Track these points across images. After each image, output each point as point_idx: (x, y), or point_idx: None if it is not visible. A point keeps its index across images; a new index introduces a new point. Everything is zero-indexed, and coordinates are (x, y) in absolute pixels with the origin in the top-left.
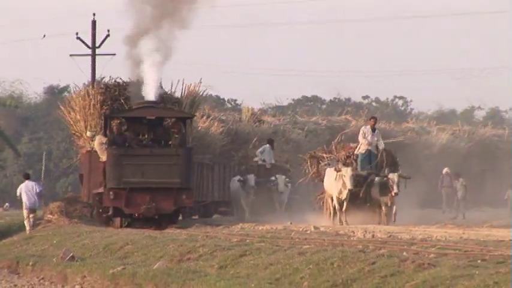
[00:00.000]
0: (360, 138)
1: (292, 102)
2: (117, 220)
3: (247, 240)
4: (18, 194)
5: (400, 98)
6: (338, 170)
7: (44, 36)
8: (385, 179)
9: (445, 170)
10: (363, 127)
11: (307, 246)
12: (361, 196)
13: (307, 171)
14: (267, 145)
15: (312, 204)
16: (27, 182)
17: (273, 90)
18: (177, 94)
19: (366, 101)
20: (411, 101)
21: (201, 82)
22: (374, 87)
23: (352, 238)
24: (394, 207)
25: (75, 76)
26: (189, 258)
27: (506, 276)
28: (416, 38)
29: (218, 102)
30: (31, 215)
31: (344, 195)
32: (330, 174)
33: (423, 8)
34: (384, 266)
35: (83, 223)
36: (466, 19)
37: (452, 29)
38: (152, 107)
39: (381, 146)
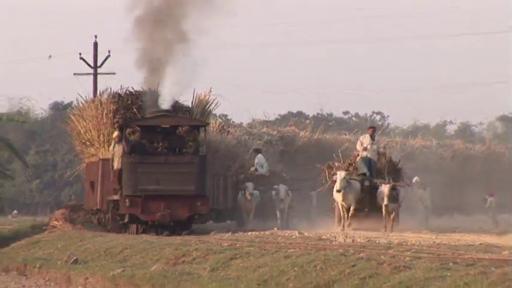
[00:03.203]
0: (358, 146)
1: (279, 117)
2: (133, 226)
3: (237, 245)
4: None
5: (378, 113)
6: (333, 174)
7: (50, 56)
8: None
9: (415, 178)
10: (361, 136)
11: (293, 250)
12: (365, 202)
13: (323, 181)
14: (259, 154)
15: (312, 212)
16: None
17: (261, 106)
18: (187, 103)
19: (346, 116)
20: (388, 116)
21: (211, 91)
22: (354, 103)
23: (333, 242)
24: (392, 216)
25: (78, 93)
26: (183, 261)
27: (476, 278)
28: (395, 58)
29: None
30: None
31: (345, 202)
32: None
33: (401, 30)
34: (363, 268)
35: (86, 229)
36: (441, 40)
37: (429, 49)
38: (167, 115)
39: (381, 150)
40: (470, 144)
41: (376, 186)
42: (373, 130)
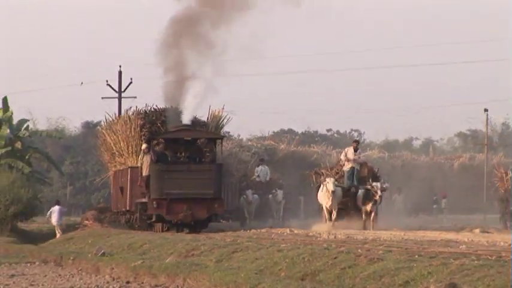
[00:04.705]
0: (342, 156)
1: (273, 133)
2: (158, 225)
3: (238, 240)
4: (48, 215)
5: (356, 130)
6: (323, 181)
7: (82, 83)
8: (370, 187)
9: (386, 184)
10: (346, 148)
11: (284, 245)
12: (349, 205)
13: (311, 185)
14: (265, 165)
15: (300, 213)
16: (57, 206)
17: (258, 124)
18: (202, 118)
19: (329, 133)
20: (364, 132)
21: (223, 108)
22: (336, 121)
23: (319, 238)
24: (372, 215)
25: (106, 112)
26: (193, 254)
27: (438, 268)
28: (369, 83)
29: None
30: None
31: (329, 205)
32: (321, 187)
33: (371, 60)
34: (343, 260)
35: (112, 227)
36: (405, 69)
37: (396, 77)
38: (189, 129)
39: (362, 161)
40: (416, 155)
41: (357, 191)
42: (357, 143)
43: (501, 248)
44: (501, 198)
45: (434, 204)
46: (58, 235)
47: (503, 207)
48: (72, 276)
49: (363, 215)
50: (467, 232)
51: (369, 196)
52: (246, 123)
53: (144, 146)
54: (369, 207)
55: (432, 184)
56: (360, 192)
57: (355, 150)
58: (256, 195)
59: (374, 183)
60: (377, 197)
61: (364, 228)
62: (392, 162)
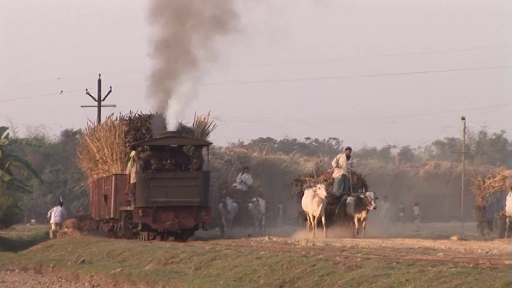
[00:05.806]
0: (333, 163)
1: (252, 142)
2: (145, 234)
3: (217, 248)
4: (48, 215)
5: (334, 139)
6: (307, 188)
7: (62, 91)
8: (362, 196)
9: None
10: (339, 155)
11: (263, 252)
12: (337, 213)
13: (292, 192)
14: (249, 174)
15: (279, 221)
16: (59, 207)
17: (237, 132)
18: (188, 124)
19: (307, 141)
20: (342, 141)
21: (209, 114)
22: (314, 130)
23: (297, 246)
24: (364, 223)
25: (88, 119)
26: (172, 261)
27: (415, 275)
28: (344, 94)
29: None
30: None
31: (318, 213)
32: (306, 194)
33: (351, 71)
34: (321, 267)
35: (91, 235)
36: (383, 78)
37: (372, 87)
38: (174, 136)
39: (352, 170)
40: (384, 163)
41: (346, 198)
42: (349, 151)
43: (478, 255)
44: (478, 206)
45: (401, 212)
46: (51, 234)
47: (480, 215)
48: (52, 284)
49: (356, 223)
50: (444, 240)
51: (360, 204)
52: (224, 131)
53: (133, 153)
54: (361, 215)
55: (398, 192)
56: (351, 200)
57: (348, 157)
58: (235, 204)
59: (368, 193)
60: (371, 208)
61: (357, 235)
62: (360, 170)
